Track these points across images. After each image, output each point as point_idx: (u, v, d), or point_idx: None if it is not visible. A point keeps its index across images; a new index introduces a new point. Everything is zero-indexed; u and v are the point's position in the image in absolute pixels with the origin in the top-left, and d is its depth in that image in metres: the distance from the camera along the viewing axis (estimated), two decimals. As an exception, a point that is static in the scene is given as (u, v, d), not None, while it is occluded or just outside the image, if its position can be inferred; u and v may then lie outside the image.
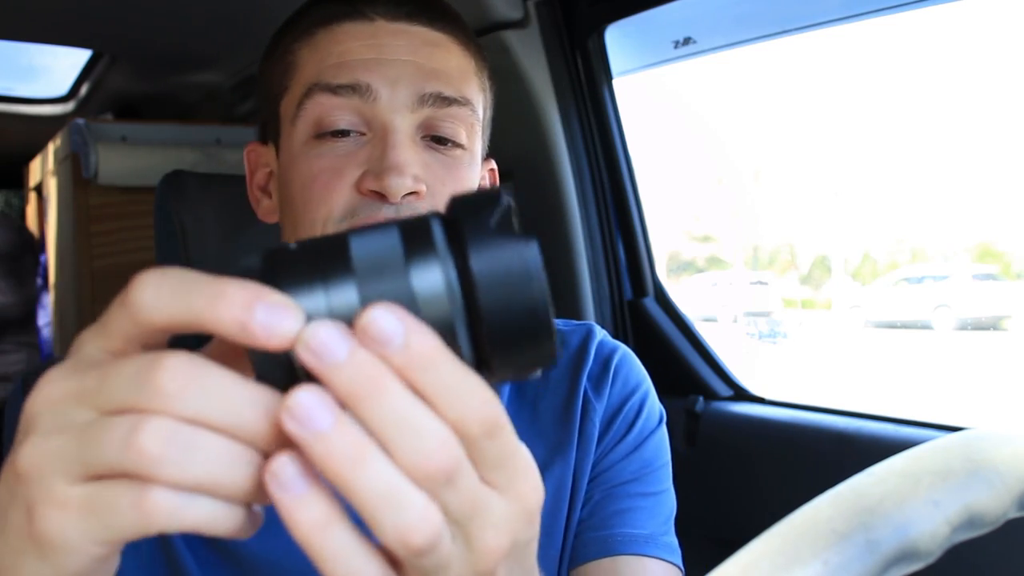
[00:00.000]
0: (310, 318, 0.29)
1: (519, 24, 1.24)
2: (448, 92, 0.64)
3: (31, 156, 2.25)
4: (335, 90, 0.63)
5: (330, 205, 0.62)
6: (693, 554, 0.74)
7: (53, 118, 2.33)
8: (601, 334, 0.79)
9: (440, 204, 0.63)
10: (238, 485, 0.29)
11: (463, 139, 0.66)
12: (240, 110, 1.95)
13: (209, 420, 0.28)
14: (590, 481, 0.72)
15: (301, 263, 0.30)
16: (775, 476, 0.92)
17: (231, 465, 0.29)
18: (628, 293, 1.36)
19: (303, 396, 0.28)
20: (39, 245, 2.26)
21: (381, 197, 0.61)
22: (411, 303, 0.30)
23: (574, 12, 1.26)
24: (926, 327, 2.44)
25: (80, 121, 1.71)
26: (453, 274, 0.30)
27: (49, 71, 2.19)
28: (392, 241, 0.30)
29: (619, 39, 1.25)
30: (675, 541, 0.72)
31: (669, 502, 0.74)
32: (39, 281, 2.25)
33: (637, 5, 1.16)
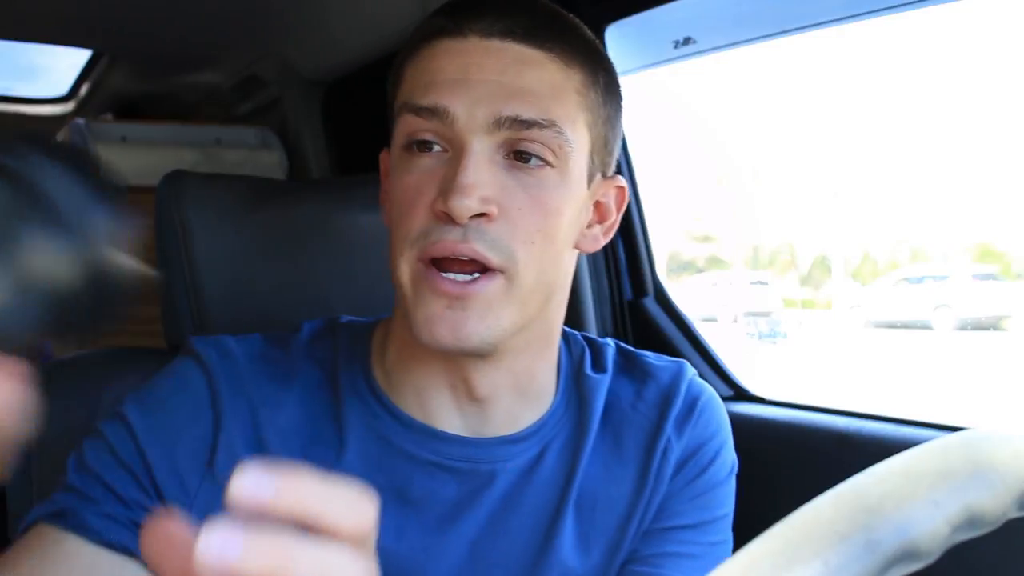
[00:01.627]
0: None
1: (519, 24, 1.24)
2: (528, 115, 0.63)
3: (31, 156, 2.25)
4: (418, 111, 0.64)
5: (409, 225, 0.64)
6: (693, 554, 0.74)
7: (53, 118, 2.33)
8: (691, 373, 0.79)
9: (517, 227, 0.63)
10: None
11: (550, 158, 0.64)
12: (240, 110, 1.95)
13: None
14: (652, 518, 0.73)
15: None
16: (775, 476, 0.92)
17: None
18: (628, 293, 1.36)
19: (210, 535, 0.30)
20: (39, 245, 2.26)
21: (450, 219, 0.62)
22: None
23: (574, 12, 1.26)
24: (926, 327, 2.44)
25: (80, 121, 1.71)
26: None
27: (49, 71, 2.19)
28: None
29: (619, 39, 1.25)
30: None
31: (725, 554, 0.74)
32: (39, 281, 2.25)
33: (637, 5, 1.16)
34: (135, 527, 0.61)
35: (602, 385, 0.76)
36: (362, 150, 1.73)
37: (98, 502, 0.62)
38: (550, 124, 0.64)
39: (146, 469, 0.64)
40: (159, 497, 0.64)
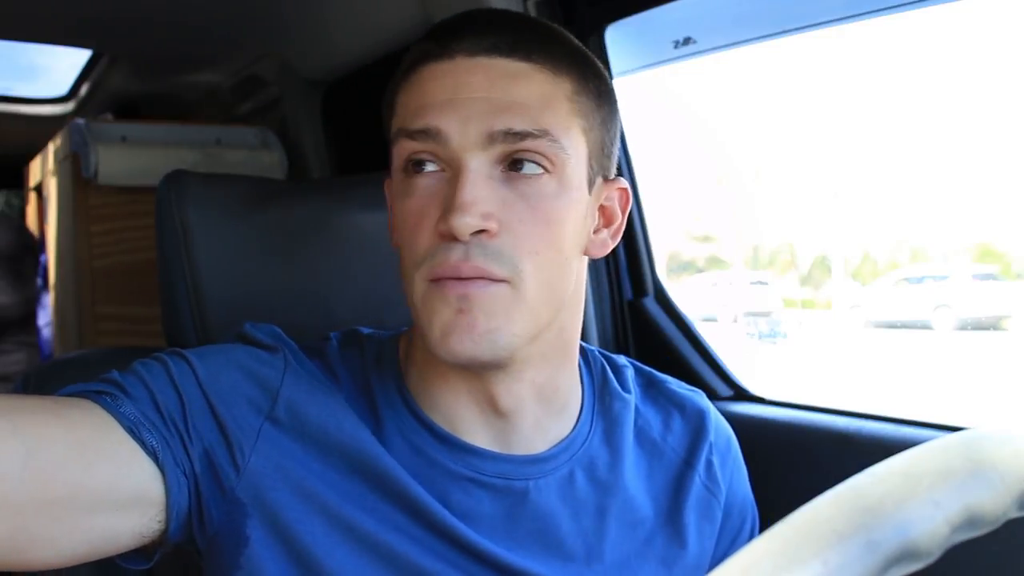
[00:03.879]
0: None
1: (519, 24, 1.24)
2: (519, 126, 0.63)
3: (31, 156, 2.25)
4: (413, 135, 0.65)
5: (416, 248, 0.64)
6: (693, 554, 0.74)
7: (53, 118, 2.33)
8: (713, 411, 0.82)
9: (521, 239, 0.63)
10: None
11: (547, 166, 0.65)
12: (240, 110, 1.95)
13: None
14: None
15: None
16: (775, 476, 0.92)
17: None
18: (628, 293, 1.36)
19: None
20: (39, 245, 2.26)
21: (453, 237, 0.62)
22: None
23: (574, 12, 1.26)
24: (926, 327, 2.44)
25: (80, 121, 1.71)
26: None
27: (49, 71, 2.20)
28: None
29: (619, 39, 1.25)
30: None
31: None
32: (39, 281, 2.25)
33: (637, 5, 1.16)
34: (164, 441, 0.62)
35: (631, 406, 0.77)
36: (362, 150, 1.73)
37: (138, 401, 0.63)
38: (543, 133, 0.64)
39: (203, 397, 0.65)
40: (222, 432, 0.65)
